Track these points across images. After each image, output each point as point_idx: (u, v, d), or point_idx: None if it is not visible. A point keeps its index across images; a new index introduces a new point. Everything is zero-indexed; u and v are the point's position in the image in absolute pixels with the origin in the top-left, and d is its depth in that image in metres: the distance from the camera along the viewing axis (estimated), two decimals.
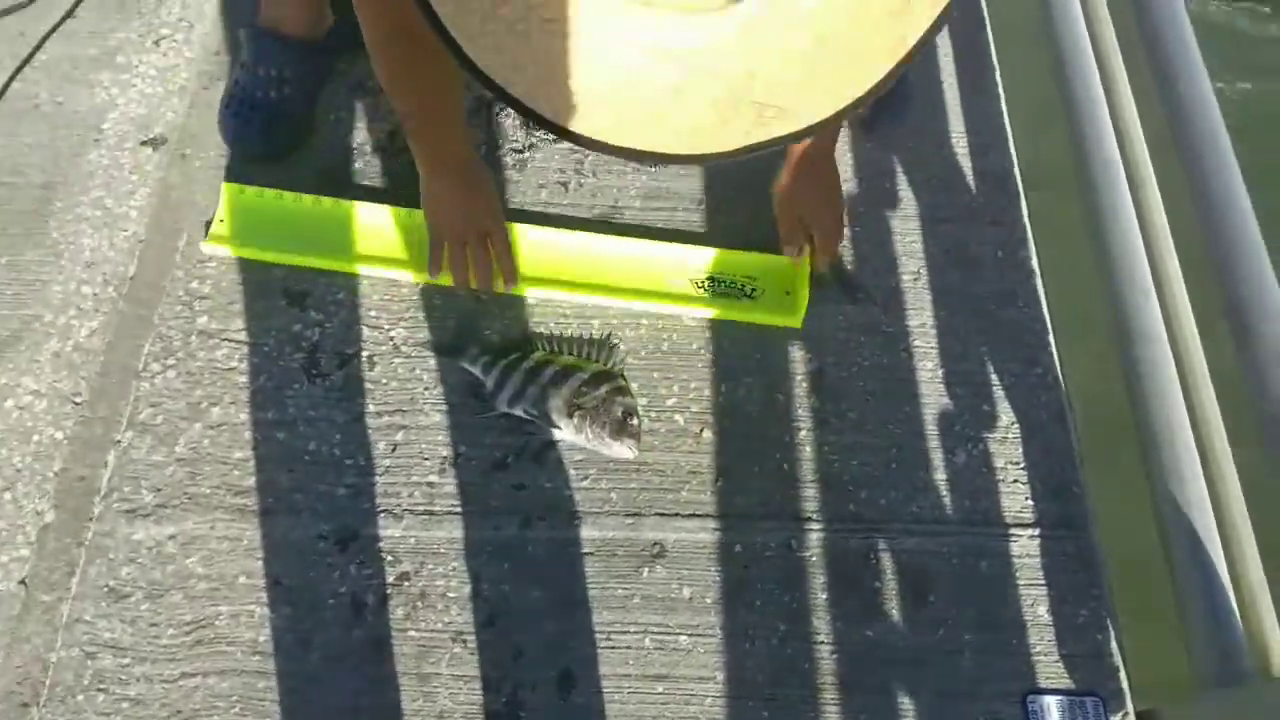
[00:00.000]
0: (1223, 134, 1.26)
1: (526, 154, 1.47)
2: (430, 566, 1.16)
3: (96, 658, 1.10)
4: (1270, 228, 1.19)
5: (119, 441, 1.22)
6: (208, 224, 1.35)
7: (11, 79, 1.47)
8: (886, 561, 1.17)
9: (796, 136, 0.62)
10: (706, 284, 1.36)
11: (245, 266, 1.34)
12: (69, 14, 1.55)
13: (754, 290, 1.35)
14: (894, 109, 1.52)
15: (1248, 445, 1.15)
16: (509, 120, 1.47)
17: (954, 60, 1.61)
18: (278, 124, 1.42)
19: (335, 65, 1.50)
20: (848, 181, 1.47)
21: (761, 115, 0.61)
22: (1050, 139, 1.53)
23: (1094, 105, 1.51)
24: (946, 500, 1.21)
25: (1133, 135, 1.47)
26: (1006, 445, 1.25)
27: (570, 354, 1.29)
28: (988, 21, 1.67)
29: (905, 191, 1.47)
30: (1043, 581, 1.17)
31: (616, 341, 1.31)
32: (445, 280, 1.33)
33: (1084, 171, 1.44)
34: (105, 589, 1.13)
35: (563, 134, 0.63)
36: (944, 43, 1.63)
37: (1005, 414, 1.28)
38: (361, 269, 1.34)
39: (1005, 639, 1.14)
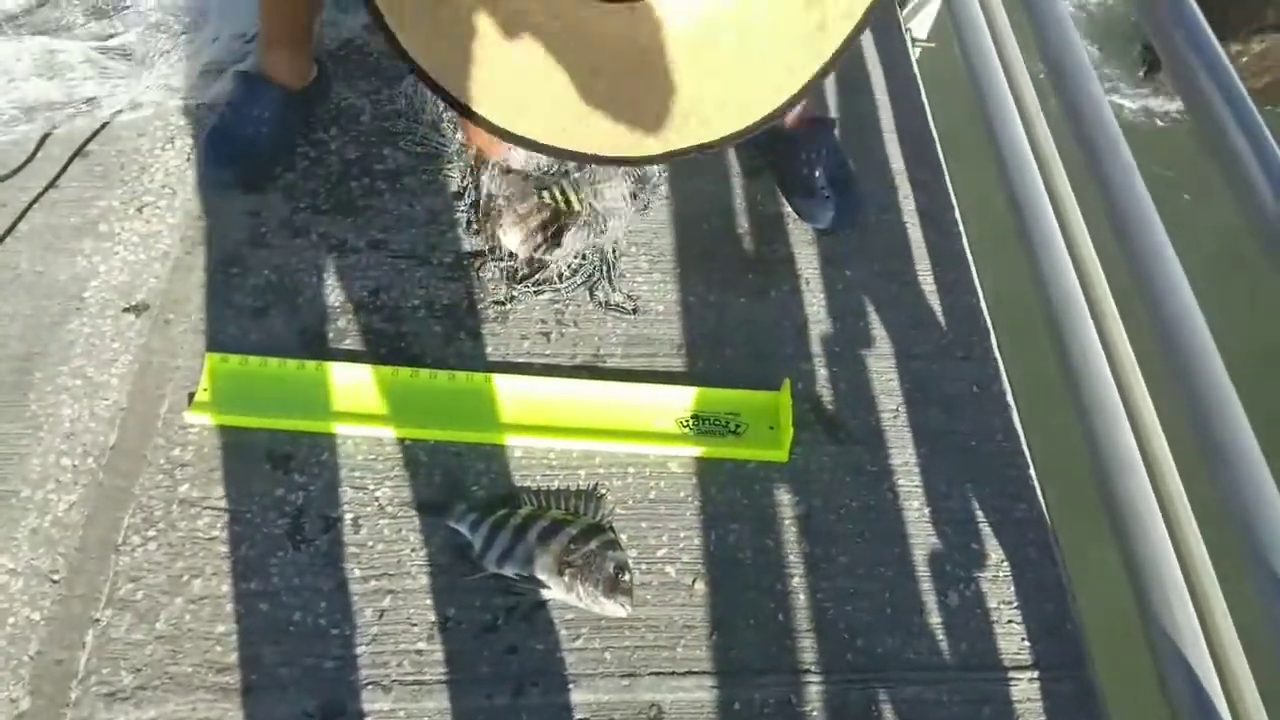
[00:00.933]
0: (1172, 258, 1.31)
1: (508, 305, 1.49)
2: None
3: None
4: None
5: (98, 620, 1.18)
6: (191, 394, 1.35)
7: None
8: (888, 713, 1.16)
9: (715, 145, 0.66)
10: (691, 423, 1.37)
11: (227, 431, 1.33)
12: (52, 184, 1.57)
13: (739, 426, 1.37)
14: (851, 211, 1.61)
15: (1236, 573, 1.17)
16: (490, 274, 1.51)
17: (915, 202, 1.68)
18: (251, 158, 1.59)
19: (312, 112, 1.68)
20: (820, 323, 1.51)
21: (685, 123, 0.64)
22: (1012, 274, 1.58)
23: (1049, 238, 1.58)
24: (944, 644, 1.21)
25: (1089, 265, 1.53)
26: (998, 584, 1.26)
27: (558, 507, 1.28)
28: (944, 165, 1.75)
29: (878, 329, 1.51)
30: None
31: (604, 492, 1.31)
32: (432, 434, 1.34)
33: (1047, 303, 1.50)
34: None
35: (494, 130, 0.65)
36: (904, 185, 1.70)
37: (994, 552, 1.29)
38: (346, 429, 1.34)
39: None
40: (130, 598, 1.20)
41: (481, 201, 1.52)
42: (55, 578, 1.21)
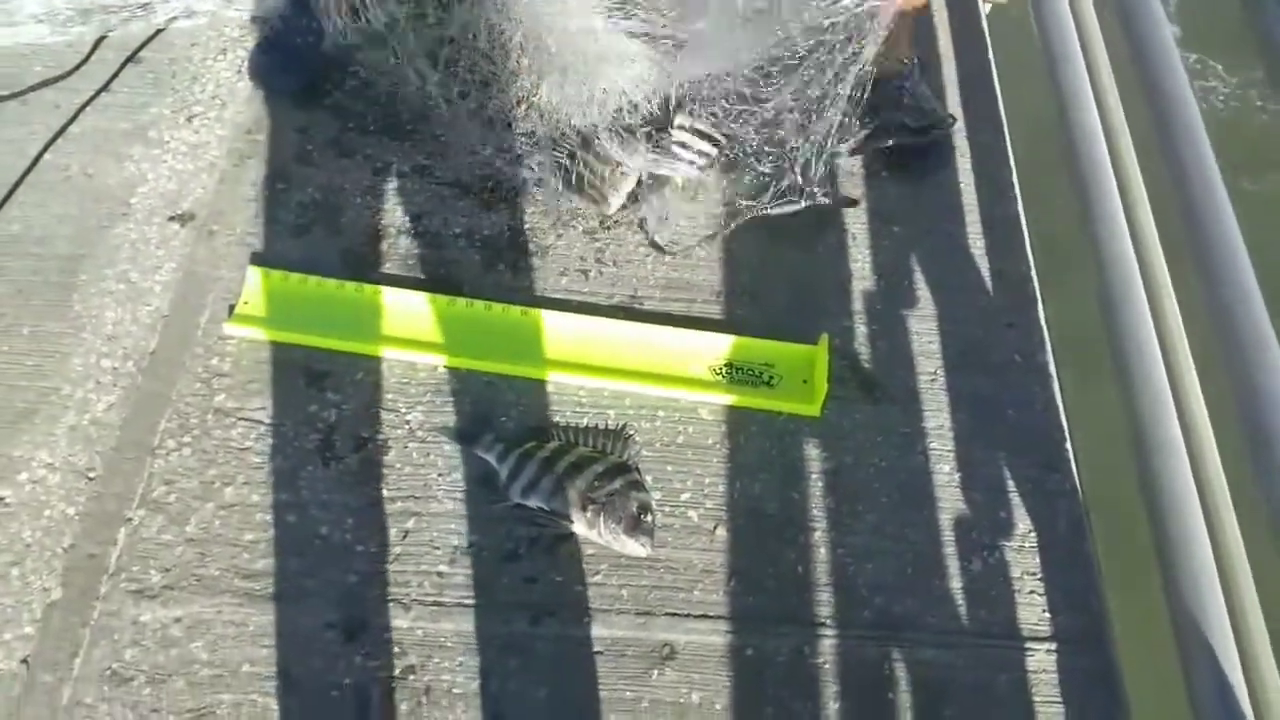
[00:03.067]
0: (1238, 241, 1.26)
1: (549, 242, 1.48)
2: (437, 660, 1.14)
3: None
4: None
5: (130, 519, 1.21)
6: (232, 306, 1.36)
7: (44, 150, 1.49)
8: (901, 672, 1.15)
9: None
10: (725, 370, 1.36)
11: (265, 345, 1.35)
12: (104, 87, 1.58)
13: (772, 378, 1.36)
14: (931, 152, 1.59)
15: (1267, 560, 1.14)
16: (531, 209, 1.50)
17: (972, 163, 1.63)
18: (300, 72, 1.60)
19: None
20: (864, 279, 1.48)
21: None
22: (1067, 245, 1.54)
23: (1110, 210, 1.52)
24: (963, 610, 1.20)
25: (1149, 243, 1.48)
26: (1024, 554, 1.24)
27: (586, 444, 1.28)
28: (1005, 127, 1.70)
29: (923, 290, 1.48)
30: (1060, 699, 1.14)
31: (632, 433, 1.31)
32: (465, 363, 1.34)
33: (1101, 278, 1.45)
34: (108, 672, 1.12)
35: None
36: (962, 144, 1.66)
37: (1023, 521, 1.27)
38: (381, 351, 1.34)
39: None
40: (163, 500, 1.23)
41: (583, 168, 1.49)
42: (91, 475, 1.24)
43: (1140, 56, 1.49)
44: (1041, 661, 1.17)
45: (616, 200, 1.49)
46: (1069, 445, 1.34)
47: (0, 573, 1.16)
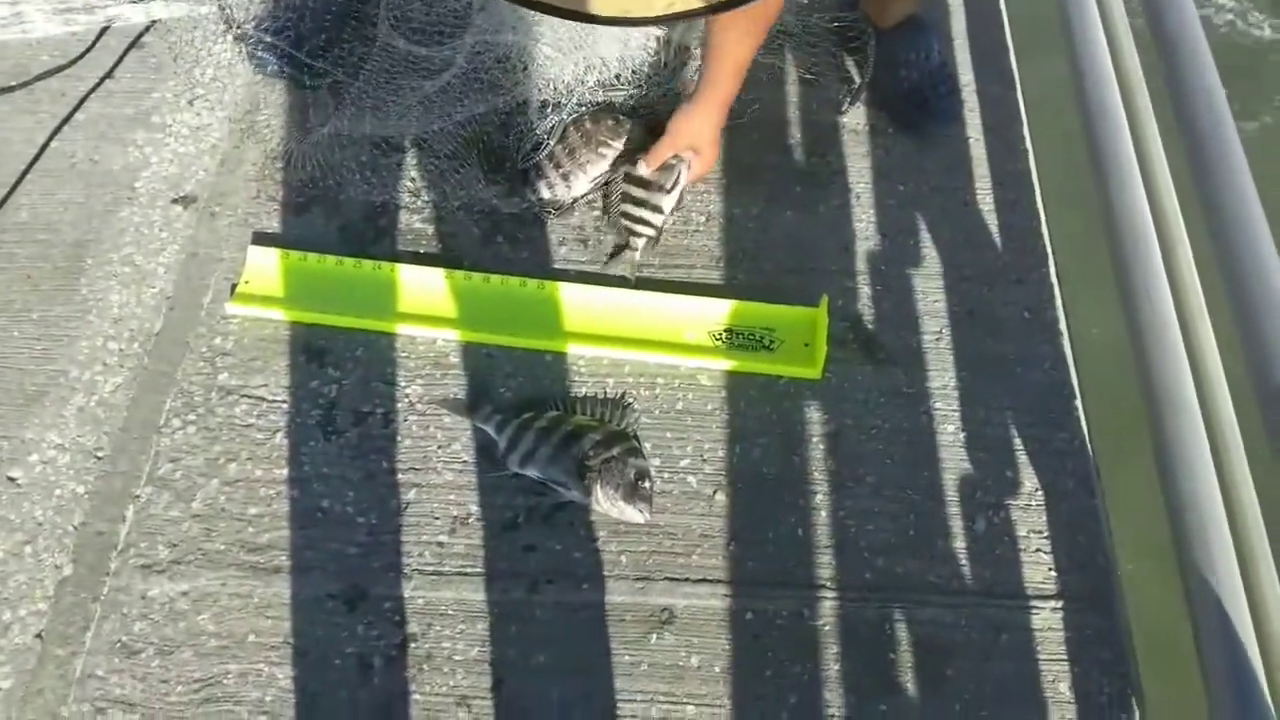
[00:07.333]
0: (1253, 196, 1.22)
1: (549, 210, 1.47)
2: (437, 628, 1.15)
3: (106, 714, 1.10)
4: None
5: (138, 496, 1.23)
6: (234, 285, 1.37)
7: (51, 138, 1.52)
8: (902, 632, 1.14)
9: (713, 9, 0.69)
10: (724, 336, 1.35)
11: (266, 323, 1.36)
12: (108, 74, 1.60)
13: (772, 341, 1.34)
14: (940, 109, 1.55)
15: None
16: (532, 174, 1.49)
17: (981, 116, 1.59)
18: (299, 52, 1.57)
19: (361, 7, 1.63)
20: (868, 239, 1.45)
21: None
22: (1079, 198, 1.50)
23: (1124, 164, 1.47)
24: (966, 570, 1.18)
25: (1164, 196, 1.43)
26: (1030, 513, 1.22)
27: (584, 413, 1.28)
28: (1018, 80, 1.65)
29: (929, 249, 1.45)
30: (1065, 657, 1.12)
31: (631, 401, 1.30)
32: (465, 335, 1.34)
33: (1114, 232, 1.41)
34: (118, 644, 1.14)
35: None
36: (971, 98, 1.62)
37: (1029, 480, 1.24)
38: (381, 326, 1.35)
39: (1025, 716, 1.10)
40: (169, 477, 1.25)
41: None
42: (100, 455, 1.26)
43: (1155, 8, 1.44)
44: (1046, 620, 1.15)
45: (579, 185, 1.47)
46: (1078, 402, 1.31)
47: (14, 550, 1.20)
